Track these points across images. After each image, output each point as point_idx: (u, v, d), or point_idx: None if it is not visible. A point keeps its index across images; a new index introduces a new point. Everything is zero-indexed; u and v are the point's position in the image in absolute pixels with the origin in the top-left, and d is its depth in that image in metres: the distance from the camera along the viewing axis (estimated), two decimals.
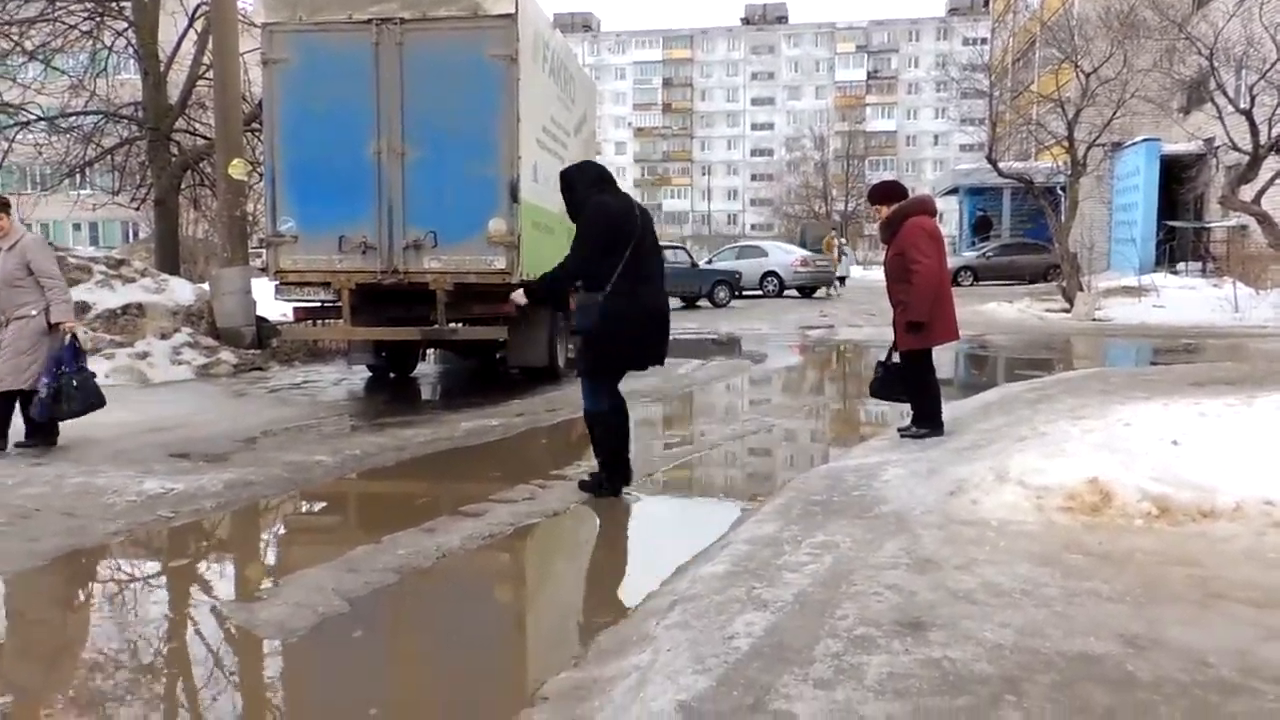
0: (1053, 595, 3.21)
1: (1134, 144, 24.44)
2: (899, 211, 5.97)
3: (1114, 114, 19.08)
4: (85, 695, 2.85)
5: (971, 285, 29.02)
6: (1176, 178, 24.46)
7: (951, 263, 31.57)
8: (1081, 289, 18.33)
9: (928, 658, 2.74)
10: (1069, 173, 19.85)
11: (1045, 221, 22.00)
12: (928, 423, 6.08)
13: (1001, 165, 21.84)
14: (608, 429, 4.99)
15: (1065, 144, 19.49)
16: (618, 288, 4.68)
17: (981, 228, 34.41)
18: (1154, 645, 2.82)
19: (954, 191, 38.58)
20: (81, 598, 3.63)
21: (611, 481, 5.03)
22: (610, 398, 5.02)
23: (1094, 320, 17.23)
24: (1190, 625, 2.98)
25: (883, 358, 6.34)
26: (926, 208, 6.10)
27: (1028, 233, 31.42)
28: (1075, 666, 2.68)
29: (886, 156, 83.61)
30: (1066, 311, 18.41)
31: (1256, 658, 2.73)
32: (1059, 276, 20.40)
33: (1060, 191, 22.28)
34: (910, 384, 6.15)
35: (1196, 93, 21.31)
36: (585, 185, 4.92)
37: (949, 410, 6.32)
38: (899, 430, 6.22)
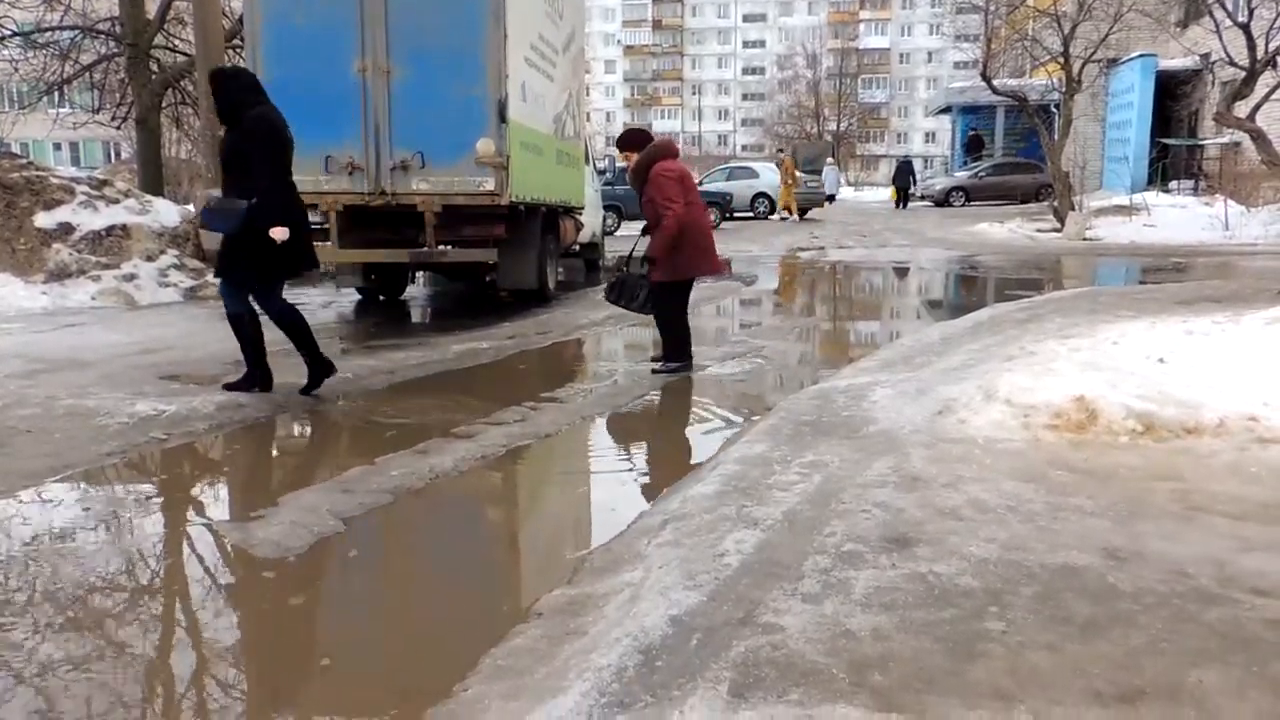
0: (1037, 511, 3.27)
1: (1130, 60, 24.09)
2: (644, 159, 6.19)
3: (1110, 29, 18.75)
4: (83, 616, 2.89)
5: (963, 205, 28.92)
6: (1172, 94, 24.18)
7: (943, 183, 31.75)
8: (1073, 208, 18.27)
9: (914, 572, 2.80)
10: (1063, 90, 19.59)
11: (1038, 140, 21.79)
12: (676, 355, 6.35)
13: (996, 83, 21.52)
14: (257, 332, 5.52)
15: (1060, 60, 19.19)
16: (280, 195, 5.20)
17: (974, 147, 34.08)
18: (1135, 558, 2.88)
19: (947, 110, 38.12)
20: (75, 519, 3.65)
21: (316, 376, 5.60)
22: (279, 301, 5.48)
23: (1085, 240, 17.21)
24: (1171, 538, 3.04)
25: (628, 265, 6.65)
26: (669, 152, 6.32)
27: (1020, 152, 31.19)
28: (1057, 579, 2.74)
29: (880, 75, 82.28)
30: (1058, 231, 18.38)
31: (1235, 568, 2.80)
32: (1051, 196, 20.30)
33: (1054, 109, 22.02)
34: (660, 316, 6.42)
35: (1194, 6, 20.94)
36: (241, 90, 5.31)
37: (940, 330, 6.36)
38: (652, 368, 6.42)
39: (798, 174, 26.17)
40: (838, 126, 62.91)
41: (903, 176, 32.84)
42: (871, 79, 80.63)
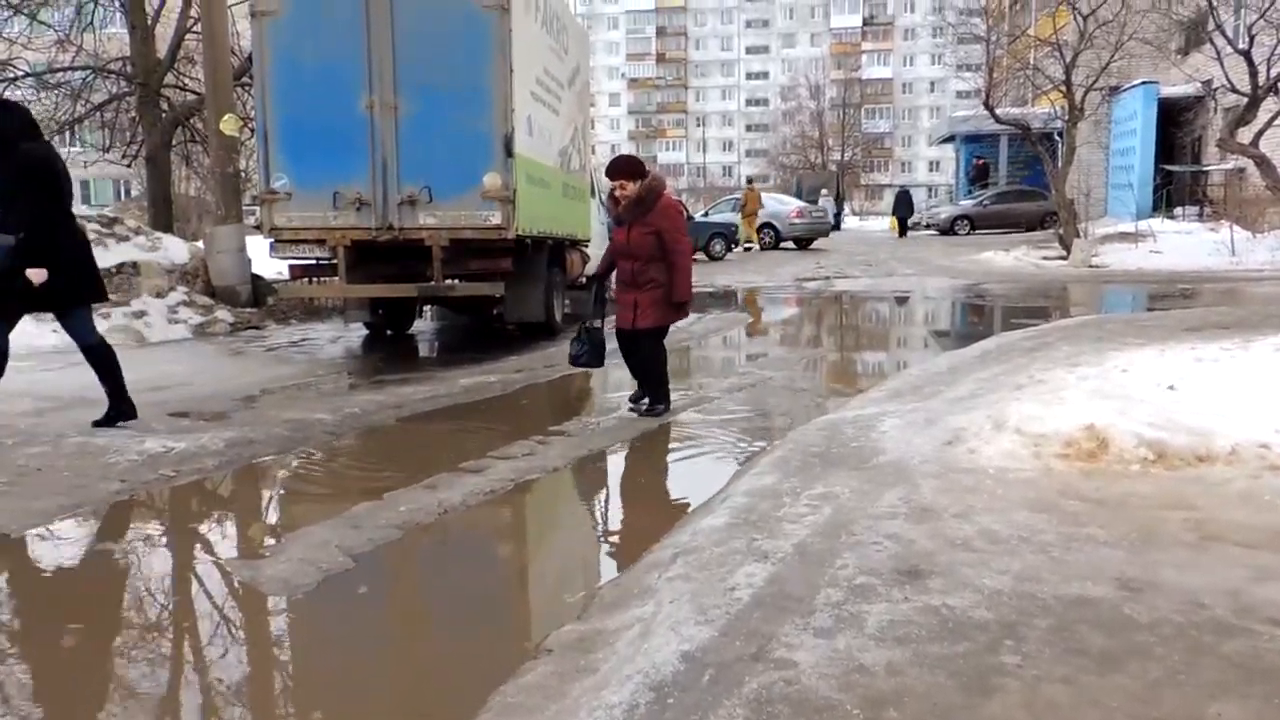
0: (1050, 541, 3.25)
1: (1131, 87, 24.21)
2: (653, 186, 5.82)
3: (1111, 57, 18.87)
4: (93, 654, 2.88)
5: (968, 233, 28.94)
6: (1174, 121, 24.27)
7: (948, 211, 31.75)
8: (1078, 235, 18.29)
9: (927, 605, 2.78)
10: (1066, 118, 19.68)
11: (1042, 168, 21.87)
12: (663, 399, 6.08)
13: (998, 111, 21.64)
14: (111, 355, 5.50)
15: (1062, 88, 19.30)
16: (45, 233, 5.10)
17: (979, 175, 34.19)
18: (1150, 588, 2.86)
19: (950, 139, 38.26)
20: (84, 557, 3.65)
21: (111, 417, 5.50)
22: (88, 332, 5.48)
23: (1091, 267, 17.20)
24: (1186, 568, 3.01)
25: (586, 324, 6.25)
26: (663, 185, 6.02)
27: (1025, 179, 31.25)
28: (1072, 610, 2.72)
29: (883, 105, 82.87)
30: (1063, 259, 18.38)
31: (1251, 598, 2.77)
32: (1056, 223, 20.33)
33: (1057, 137, 22.10)
34: (650, 361, 6.06)
35: (1195, 34, 21.07)
36: (15, 125, 5.18)
37: (947, 360, 6.35)
38: (634, 410, 6.07)
39: (760, 208, 25.70)
40: (842, 156, 63.17)
41: (902, 206, 32.89)
42: (875, 109, 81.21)
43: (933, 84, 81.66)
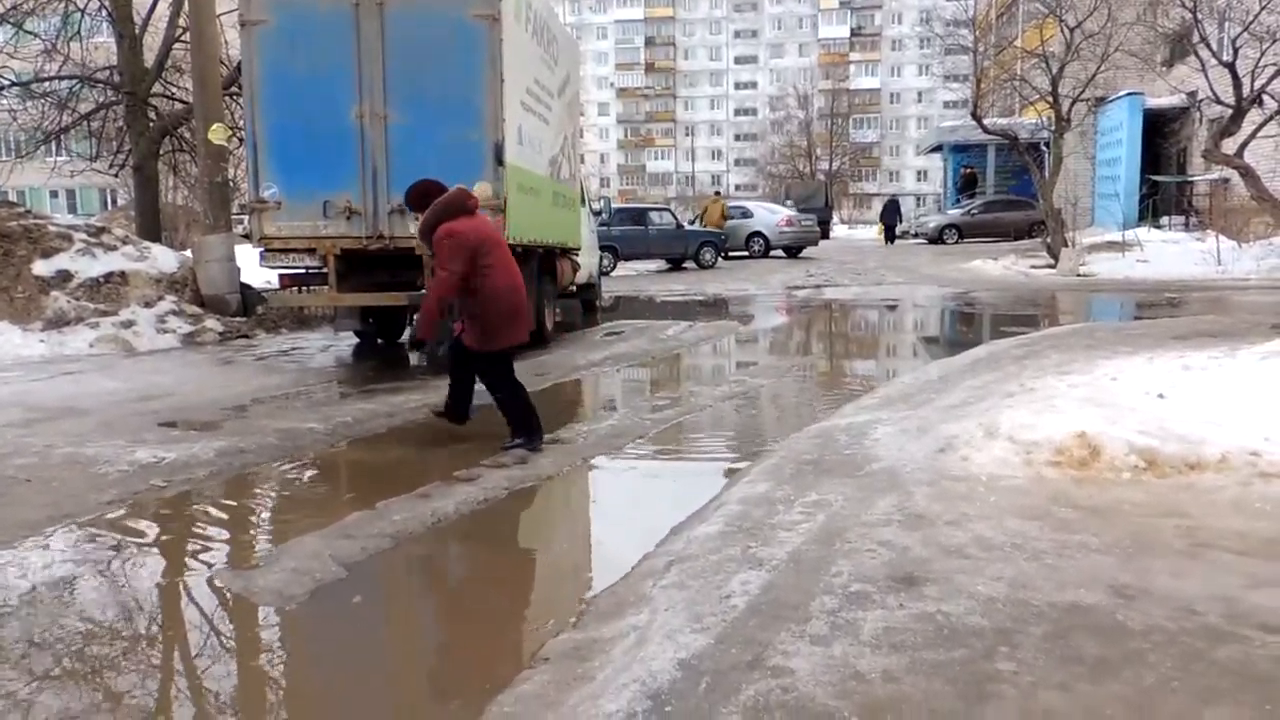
0: (1043, 548, 3.26)
1: (1117, 98, 24.38)
2: (430, 218, 5.33)
3: (1098, 68, 19.01)
4: (83, 666, 2.86)
5: (957, 242, 29.07)
6: (1160, 132, 24.45)
7: (936, 220, 31.92)
8: (1066, 245, 18.38)
9: (922, 612, 2.79)
10: (1053, 128, 19.81)
11: (1030, 177, 21.99)
12: (520, 430, 5.42)
13: (986, 122, 21.77)
14: None
15: (1049, 99, 19.42)
16: None
17: (966, 185, 34.38)
18: (1143, 595, 2.87)
19: (938, 149, 38.49)
20: (75, 568, 3.62)
21: None
22: None
23: (1079, 276, 17.29)
24: (1178, 575, 3.03)
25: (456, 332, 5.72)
26: (459, 209, 5.36)
27: (1012, 189, 31.42)
28: (1067, 617, 2.73)
29: (870, 114, 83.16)
30: (1051, 268, 18.47)
31: (1244, 605, 2.79)
32: (1044, 233, 20.45)
33: (1044, 147, 22.25)
34: (498, 392, 5.52)
35: (1180, 46, 21.21)
36: None
37: (939, 368, 6.36)
38: (503, 448, 5.33)
39: (723, 222, 25.47)
40: (830, 166, 63.37)
41: (890, 214, 33.35)
42: (863, 118, 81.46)
43: (920, 94, 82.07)
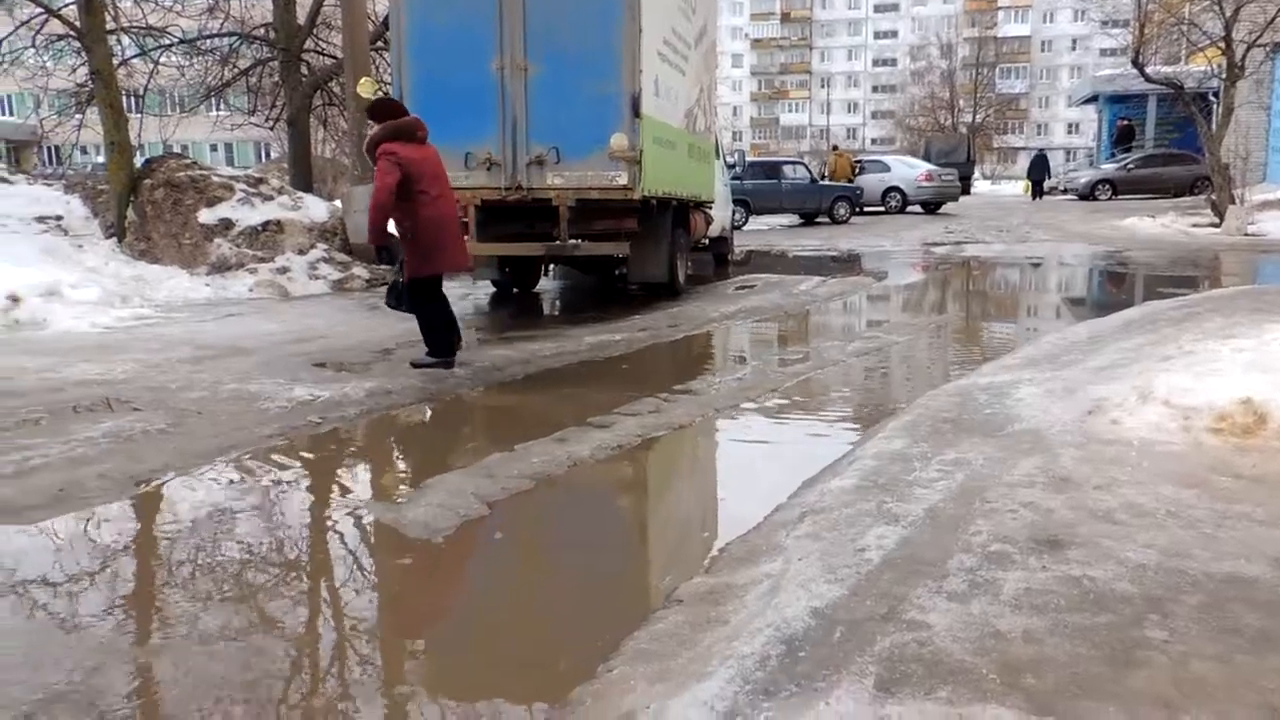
0: (1200, 517, 3.11)
1: None
2: (376, 134, 5.91)
3: (1279, 11, 17.50)
4: (245, 587, 3.08)
5: (1109, 199, 27.50)
6: None
7: (1087, 175, 30.26)
8: (1233, 202, 17.17)
9: (1066, 575, 2.71)
10: (1224, 77, 18.41)
11: (1194, 130, 20.51)
12: (433, 350, 6.17)
13: (1148, 70, 20.40)
14: None
15: (1221, 45, 18.04)
16: None
17: (1123, 138, 32.35)
18: None
19: (1093, 99, 36.32)
20: (242, 496, 3.90)
21: None
22: None
23: (1246, 235, 16.16)
24: None
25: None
26: (404, 133, 5.92)
27: (1174, 143, 29.45)
28: (1225, 589, 2.60)
29: (1019, 64, 79.06)
30: (1216, 226, 17.31)
31: None
32: (1208, 189, 19.14)
33: (1213, 98, 20.71)
34: (416, 313, 6.20)
35: None
36: None
37: (1087, 328, 6.09)
38: (411, 363, 6.24)
39: (851, 177, 24.76)
40: (973, 118, 60.71)
41: (1037, 169, 31.80)
42: (1010, 68, 77.57)
43: (1074, 41, 77.40)
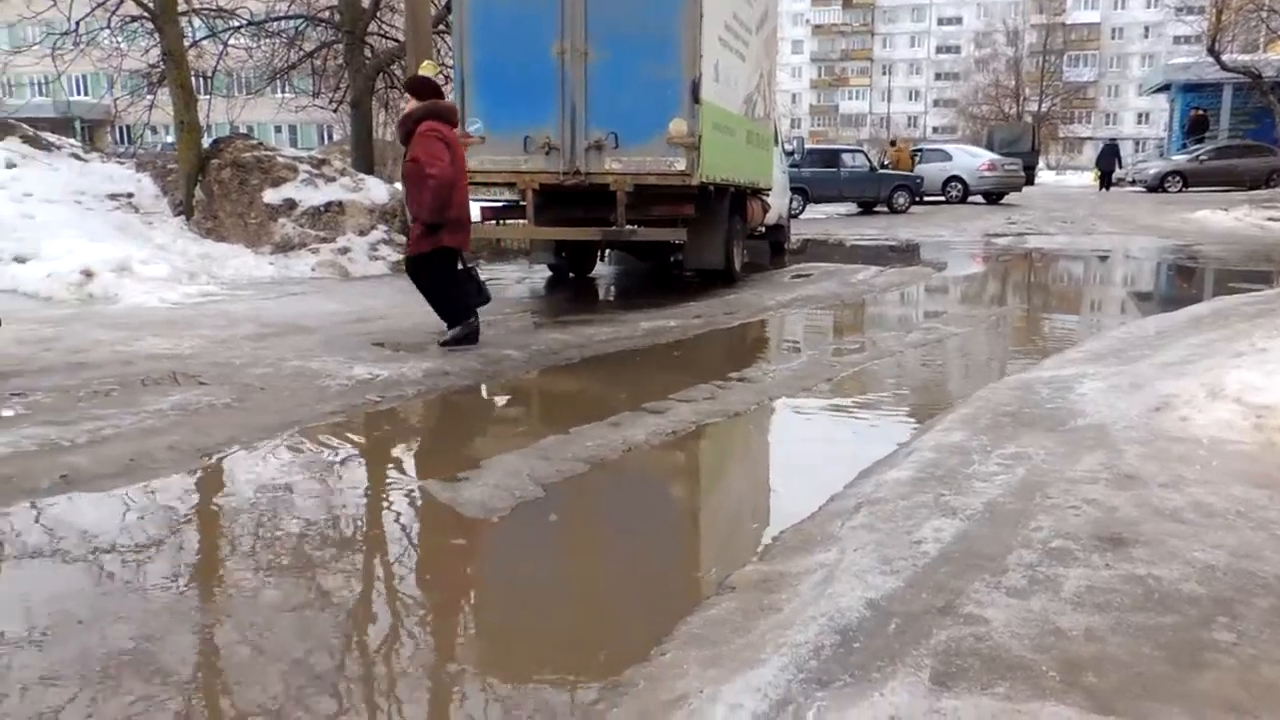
0: (1272, 519, 3.02)
1: None
2: (419, 111, 6.10)
3: None
4: (304, 560, 3.15)
5: (1180, 191, 26.73)
6: None
7: (1157, 166, 29.45)
8: None
9: (1130, 574, 2.65)
10: None
11: (1272, 121, 19.87)
12: (453, 321, 6.28)
13: (1225, 58, 19.78)
14: None
15: None
16: None
17: (1196, 128, 31.42)
18: None
19: (1165, 88, 35.32)
20: (304, 471, 3.97)
21: None
22: None
23: None
24: None
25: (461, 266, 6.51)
26: (446, 115, 6.27)
27: (1250, 133, 28.51)
28: None
29: (1088, 51, 77.09)
30: None
31: None
32: None
33: None
34: (426, 288, 6.33)
35: None
36: None
37: (1155, 323, 5.94)
38: (439, 343, 6.26)
39: (911, 168, 24.32)
40: (1039, 107, 59.33)
41: (1107, 159, 31.10)
42: (1079, 56, 75.68)
43: (1147, 29, 75.26)
